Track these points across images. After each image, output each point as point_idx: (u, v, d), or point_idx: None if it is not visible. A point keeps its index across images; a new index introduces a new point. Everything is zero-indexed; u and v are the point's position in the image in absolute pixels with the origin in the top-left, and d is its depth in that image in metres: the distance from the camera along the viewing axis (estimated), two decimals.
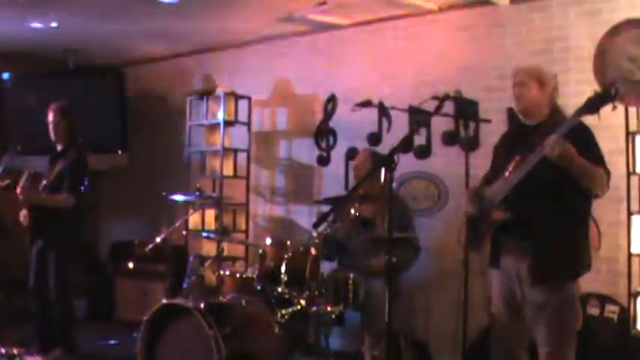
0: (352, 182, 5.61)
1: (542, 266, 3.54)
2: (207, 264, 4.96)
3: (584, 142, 3.49)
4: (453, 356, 5.19)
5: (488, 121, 5.24)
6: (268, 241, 4.72)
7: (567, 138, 3.38)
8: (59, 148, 5.35)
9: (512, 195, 3.61)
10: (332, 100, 6.14)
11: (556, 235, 3.55)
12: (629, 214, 4.55)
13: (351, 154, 5.96)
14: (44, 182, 5.25)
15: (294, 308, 4.40)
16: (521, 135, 3.77)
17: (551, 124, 3.62)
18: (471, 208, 3.88)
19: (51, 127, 5.30)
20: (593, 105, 3.31)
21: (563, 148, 3.34)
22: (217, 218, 5.16)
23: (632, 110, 4.54)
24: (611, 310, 4.59)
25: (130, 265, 6.83)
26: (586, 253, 3.67)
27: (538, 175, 3.50)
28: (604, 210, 4.56)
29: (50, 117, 5.30)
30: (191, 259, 4.78)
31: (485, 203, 3.81)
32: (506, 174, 3.65)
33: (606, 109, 3.34)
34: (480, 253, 4.05)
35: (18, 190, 5.09)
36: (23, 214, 5.27)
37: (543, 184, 3.52)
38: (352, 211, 4.71)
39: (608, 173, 3.55)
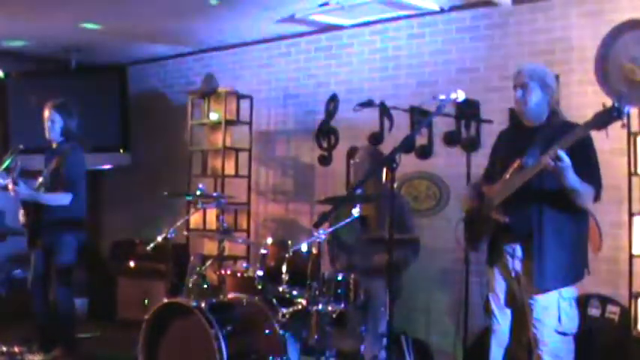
0: (353, 180, 5.60)
1: (541, 275, 3.55)
2: (208, 263, 4.97)
3: (583, 151, 3.45)
4: (454, 355, 5.19)
5: (489, 121, 5.24)
6: (269, 240, 4.72)
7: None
8: (54, 145, 5.34)
9: (511, 199, 3.61)
10: (333, 99, 6.14)
11: (555, 242, 3.55)
12: (631, 214, 4.54)
13: (353, 154, 5.96)
14: (40, 180, 5.24)
15: (295, 308, 4.40)
16: (521, 136, 3.75)
17: (551, 127, 3.62)
18: (470, 203, 3.89)
19: (46, 124, 5.30)
20: (601, 120, 3.23)
21: (561, 165, 3.31)
22: (219, 217, 5.16)
23: (634, 111, 4.54)
24: (612, 311, 4.58)
25: (132, 264, 6.83)
26: (584, 259, 3.67)
27: (538, 181, 3.50)
28: (605, 210, 4.55)
29: (45, 114, 5.30)
30: (192, 258, 4.79)
31: (484, 202, 3.81)
32: (507, 176, 3.65)
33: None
34: (477, 252, 4.08)
35: (10, 187, 5.06)
36: (21, 213, 5.27)
37: (543, 190, 3.51)
38: (353, 210, 4.71)
39: (598, 187, 3.52)
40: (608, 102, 4.31)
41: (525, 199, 3.57)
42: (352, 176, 5.35)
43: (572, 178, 3.39)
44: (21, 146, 5.27)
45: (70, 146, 5.26)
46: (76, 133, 5.34)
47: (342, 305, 4.28)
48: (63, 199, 5.11)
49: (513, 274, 3.73)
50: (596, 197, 3.55)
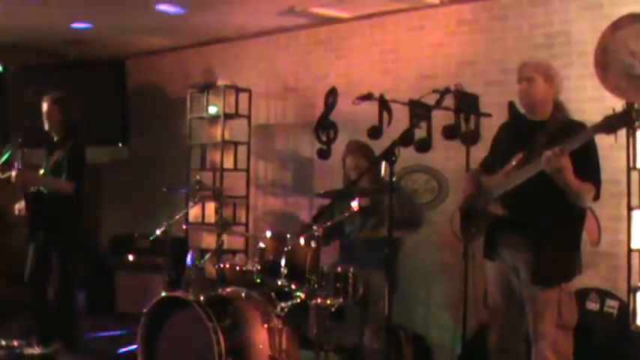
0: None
1: (541, 269, 3.54)
2: (207, 257, 4.97)
3: (585, 149, 3.41)
4: (453, 350, 5.20)
5: (488, 115, 5.23)
6: (268, 234, 4.71)
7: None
8: (56, 138, 5.34)
9: (511, 193, 3.60)
10: (332, 93, 6.13)
11: (554, 237, 3.54)
12: (630, 209, 4.54)
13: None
14: (41, 172, 5.23)
15: (294, 301, 4.40)
16: (525, 130, 3.73)
17: (556, 122, 3.60)
18: (469, 191, 3.88)
19: (45, 117, 5.29)
20: (611, 125, 3.20)
21: (559, 164, 3.31)
22: (217, 211, 5.16)
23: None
24: (611, 305, 4.59)
25: (131, 257, 6.83)
26: (579, 258, 3.66)
27: (538, 176, 3.49)
28: (604, 205, 4.52)
29: (44, 108, 5.29)
30: (191, 251, 4.78)
31: (482, 193, 3.80)
32: (509, 168, 3.64)
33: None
34: (473, 243, 4.07)
35: (13, 172, 5.06)
36: (19, 207, 5.27)
37: (543, 185, 3.50)
38: (352, 204, 4.70)
39: (597, 187, 3.51)
40: (608, 97, 4.31)
41: (524, 194, 3.56)
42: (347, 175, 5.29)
43: (570, 179, 3.37)
44: (20, 139, 5.27)
45: (72, 140, 5.25)
46: (76, 126, 5.34)
47: (341, 299, 4.28)
48: (66, 185, 5.10)
49: (510, 265, 3.73)
50: (596, 196, 3.54)
